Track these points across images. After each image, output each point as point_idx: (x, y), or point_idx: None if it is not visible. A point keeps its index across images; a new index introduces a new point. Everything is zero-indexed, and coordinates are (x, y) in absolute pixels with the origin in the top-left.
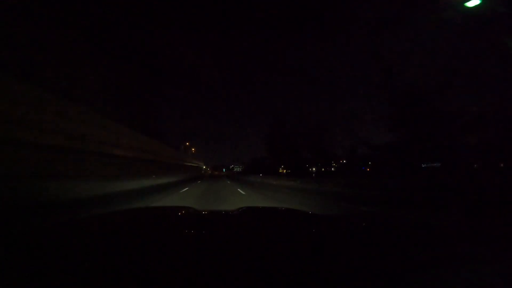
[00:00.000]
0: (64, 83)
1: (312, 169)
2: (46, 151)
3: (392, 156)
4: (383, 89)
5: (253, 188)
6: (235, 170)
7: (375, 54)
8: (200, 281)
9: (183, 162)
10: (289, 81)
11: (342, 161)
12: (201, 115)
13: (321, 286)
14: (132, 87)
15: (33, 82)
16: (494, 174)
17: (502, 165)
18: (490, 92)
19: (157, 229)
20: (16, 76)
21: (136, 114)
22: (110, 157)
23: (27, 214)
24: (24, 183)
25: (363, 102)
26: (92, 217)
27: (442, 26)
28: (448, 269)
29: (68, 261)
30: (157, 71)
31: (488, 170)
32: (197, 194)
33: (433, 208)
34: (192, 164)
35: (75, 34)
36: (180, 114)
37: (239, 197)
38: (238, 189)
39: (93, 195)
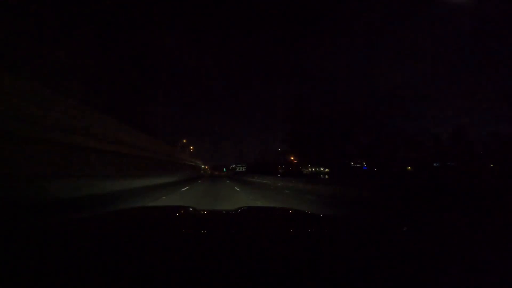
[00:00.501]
0: (56, 75)
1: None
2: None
3: None
4: None
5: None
6: (237, 169)
7: None
8: (200, 280)
9: (179, 160)
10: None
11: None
12: (201, 114)
13: (320, 285)
14: (129, 84)
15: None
16: None
17: None
18: None
19: (157, 228)
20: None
21: (129, 107)
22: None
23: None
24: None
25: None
26: (92, 217)
27: None
28: (448, 269)
29: (67, 260)
30: (157, 68)
31: None
32: None
33: None
34: (189, 163)
35: (78, 33)
36: (181, 113)
37: None
38: None
39: None
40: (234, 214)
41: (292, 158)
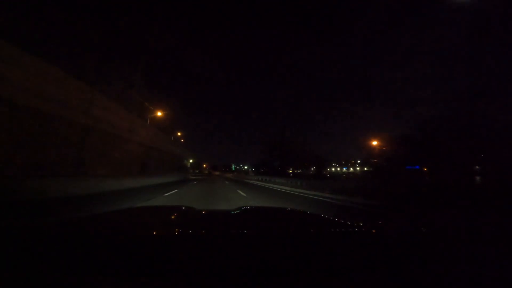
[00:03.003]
0: None
1: None
2: None
3: None
4: None
5: None
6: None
7: None
8: (200, 279)
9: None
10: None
11: None
12: (204, 111)
13: (320, 284)
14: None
15: None
16: None
17: None
18: None
19: (156, 228)
20: None
21: None
22: None
23: None
24: None
25: None
26: (92, 216)
27: None
28: (448, 269)
29: (66, 260)
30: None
31: None
32: None
33: None
34: (168, 155)
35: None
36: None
37: None
38: None
39: None
40: (234, 214)
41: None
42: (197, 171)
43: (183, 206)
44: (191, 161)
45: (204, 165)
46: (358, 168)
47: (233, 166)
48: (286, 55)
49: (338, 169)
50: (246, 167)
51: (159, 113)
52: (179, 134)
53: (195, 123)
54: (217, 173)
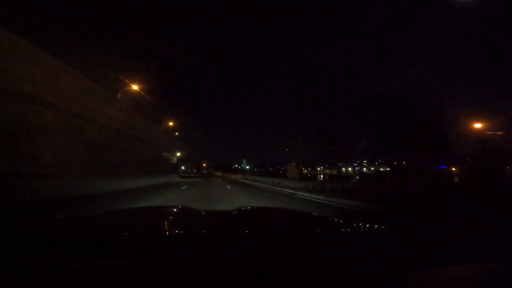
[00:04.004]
0: None
1: None
2: None
3: None
4: None
5: None
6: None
7: None
8: (200, 279)
9: None
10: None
11: None
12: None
13: (320, 284)
14: None
15: None
16: None
17: None
18: None
19: (156, 227)
20: None
21: None
22: None
23: None
24: None
25: None
26: (92, 216)
27: None
28: (448, 269)
29: (66, 259)
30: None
31: None
32: None
33: None
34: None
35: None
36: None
37: None
38: None
39: None
40: (234, 214)
41: None
42: (194, 171)
43: (183, 206)
44: (178, 154)
45: (204, 164)
46: (372, 168)
47: (244, 162)
48: (298, 48)
49: (350, 168)
50: (248, 167)
51: (134, 86)
52: (171, 124)
53: (196, 123)
54: (218, 173)
